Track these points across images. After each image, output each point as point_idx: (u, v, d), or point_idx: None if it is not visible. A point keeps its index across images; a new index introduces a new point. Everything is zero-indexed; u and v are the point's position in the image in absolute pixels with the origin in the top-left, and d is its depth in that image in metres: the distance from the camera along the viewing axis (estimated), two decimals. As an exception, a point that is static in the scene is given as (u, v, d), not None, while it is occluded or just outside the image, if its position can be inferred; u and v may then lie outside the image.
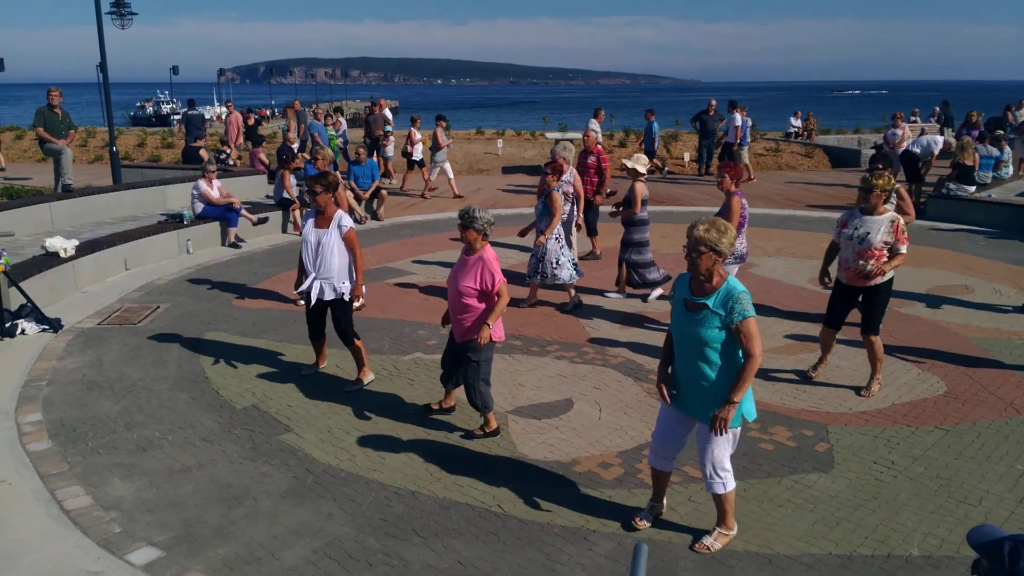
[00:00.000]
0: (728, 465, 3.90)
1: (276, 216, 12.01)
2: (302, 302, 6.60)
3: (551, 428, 5.46)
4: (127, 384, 6.21)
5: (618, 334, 7.39)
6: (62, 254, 8.59)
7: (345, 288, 6.07)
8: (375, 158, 15.54)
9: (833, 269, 6.12)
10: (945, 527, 4.24)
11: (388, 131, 16.98)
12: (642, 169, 8.11)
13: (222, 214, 11.07)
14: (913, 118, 24.20)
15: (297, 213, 11.78)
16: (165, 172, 14.99)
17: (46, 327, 7.36)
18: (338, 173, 13.01)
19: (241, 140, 18.08)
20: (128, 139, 21.80)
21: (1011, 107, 19.84)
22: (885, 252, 5.63)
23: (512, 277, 8.77)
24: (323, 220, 6.05)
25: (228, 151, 16.51)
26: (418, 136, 15.71)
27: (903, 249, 5.66)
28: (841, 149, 21.13)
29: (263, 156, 16.63)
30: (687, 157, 19.89)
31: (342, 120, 18.13)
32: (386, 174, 16.53)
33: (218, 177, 11.37)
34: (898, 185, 7.30)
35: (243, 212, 11.27)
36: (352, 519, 4.35)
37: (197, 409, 5.76)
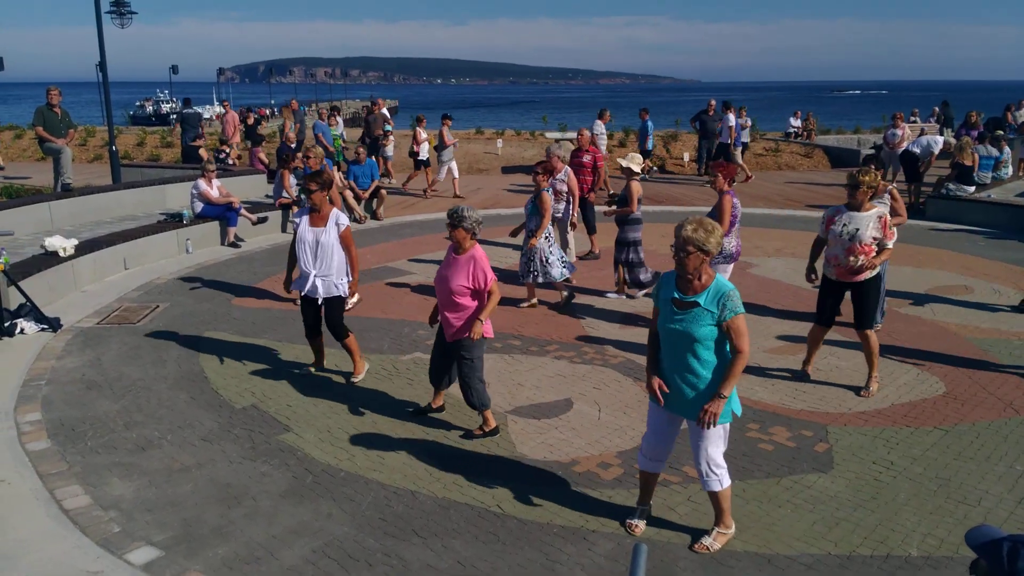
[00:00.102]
0: (722, 462, 3.94)
1: (276, 216, 12.01)
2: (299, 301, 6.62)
3: (550, 428, 5.46)
4: (126, 383, 6.21)
5: (618, 334, 7.39)
6: (61, 253, 8.59)
7: (343, 285, 6.13)
8: (375, 158, 15.54)
9: (818, 266, 6.15)
10: (944, 527, 4.25)
11: (388, 131, 16.98)
12: (636, 168, 8.24)
13: (221, 213, 11.07)
14: (913, 118, 24.21)
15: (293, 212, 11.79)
16: (164, 171, 14.99)
17: (45, 326, 7.36)
18: (337, 172, 13.00)
19: (238, 139, 18.09)
20: (128, 138, 21.80)
21: (1011, 107, 19.87)
22: (874, 247, 5.70)
23: (511, 277, 8.77)
24: (319, 218, 6.07)
25: (228, 150, 16.51)
26: (423, 135, 15.73)
27: (890, 244, 5.77)
28: (841, 149, 21.16)
29: (262, 155, 16.63)
30: (687, 157, 19.90)
31: (338, 119, 18.14)
32: (386, 174, 16.53)
33: (217, 176, 11.37)
34: (891, 187, 7.35)
35: (242, 211, 11.27)
36: (351, 519, 4.35)
37: (196, 409, 5.76)
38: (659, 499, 4.48)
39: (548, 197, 7.87)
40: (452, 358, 5.30)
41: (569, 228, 9.29)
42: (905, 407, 5.77)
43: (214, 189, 11.02)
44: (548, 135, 22.91)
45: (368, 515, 4.38)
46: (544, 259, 7.88)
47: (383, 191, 13.46)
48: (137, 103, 67.29)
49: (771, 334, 7.36)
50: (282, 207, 12.02)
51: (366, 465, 4.94)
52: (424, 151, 15.74)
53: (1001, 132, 15.79)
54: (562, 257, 8.07)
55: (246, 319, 7.84)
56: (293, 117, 17.83)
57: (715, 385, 3.79)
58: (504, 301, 8.21)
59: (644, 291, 8.50)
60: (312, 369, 6.47)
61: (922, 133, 15.22)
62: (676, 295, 3.85)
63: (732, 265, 7.15)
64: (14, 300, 7.45)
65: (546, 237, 7.92)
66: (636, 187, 8.17)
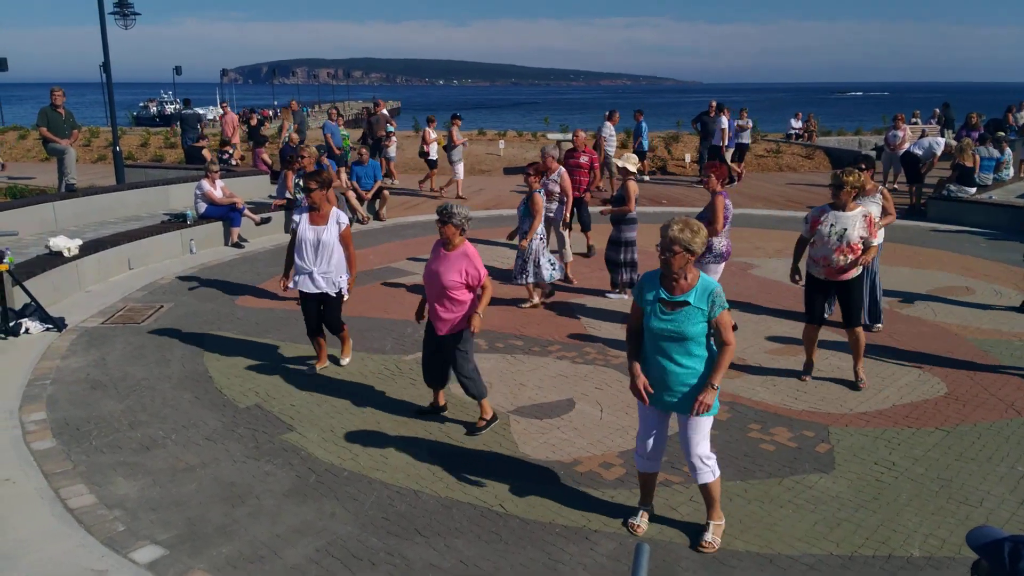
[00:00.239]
0: (711, 452, 4.04)
1: (279, 216, 12.02)
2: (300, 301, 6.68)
3: (553, 428, 5.48)
4: (131, 383, 6.24)
5: (619, 334, 7.41)
6: (66, 253, 8.62)
7: (343, 283, 6.26)
8: (377, 159, 15.57)
9: (801, 266, 6.24)
10: (946, 528, 4.26)
11: (390, 132, 17.00)
12: (632, 168, 8.32)
13: (225, 214, 11.10)
14: (914, 120, 24.19)
15: None
16: (168, 172, 15.03)
17: (50, 326, 7.38)
18: (343, 173, 13.02)
19: (236, 139, 18.16)
20: (131, 139, 21.82)
21: (1012, 109, 19.84)
22: (860, 246, 5.81)
23: (510, 277, 8.77)
24: (319, 217, 6.15)
25: (231, 151, 16.55)
26: (432, 136, 15.77)
27: (875, 242, 5.94)
28: (842, 151, 21.13)
29: (266, 156, 16.64)
30: (688, 158, 19.91)
31: (340, 122, 18.19)
32: (388, 175, 16.54)
33: (221, 177, 11.40)
34: (882, 187, 7.42)
35: (246, 212, 11.30)
36: (355, 518, 4.37)
37: (200, 408, 5.78)
38: (661, 499, 4.50)
39: (540, 198, 7.92)
40: (444, 354, 5.33)
41: (563, 228, 9.33)
42: (906, 408, 5.79)
43: (217, 190, 11.05)
44: (550, 136, 22.93)
45: (371, 514, 4.40)
46: (538, 260, 7.94)
47: (386, 192, 13.48)
48: (141, 104, 67.26)
49: (771, 334, 7.38)
50: (282, 207, 12.04)
51: (369, 464, 4.96)
52: (433, 151, 15.80)
53: (1002, 133, 15.79)
54: (551, 259, 8.13)
55: (250, 319, 7.86)
56: (293, 118, 17.86)
57: (704, 377, 3.90)
58: (504, 302, 8.24)
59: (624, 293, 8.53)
60: (316, 367, 6.50)
61: (923, 135, 15.22)
62: (663, 295, 3.90)
63: (723, 265, 7.20)
64: (19, 300, 7.47)
65: (540, 238, 7.97)
66: (633, 187, 8.25)
